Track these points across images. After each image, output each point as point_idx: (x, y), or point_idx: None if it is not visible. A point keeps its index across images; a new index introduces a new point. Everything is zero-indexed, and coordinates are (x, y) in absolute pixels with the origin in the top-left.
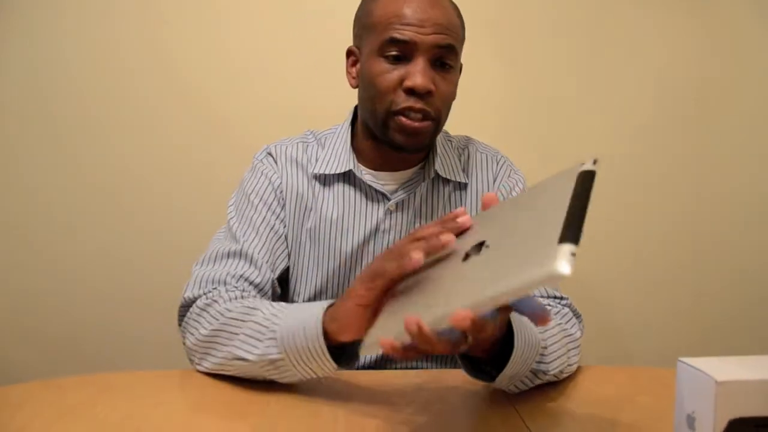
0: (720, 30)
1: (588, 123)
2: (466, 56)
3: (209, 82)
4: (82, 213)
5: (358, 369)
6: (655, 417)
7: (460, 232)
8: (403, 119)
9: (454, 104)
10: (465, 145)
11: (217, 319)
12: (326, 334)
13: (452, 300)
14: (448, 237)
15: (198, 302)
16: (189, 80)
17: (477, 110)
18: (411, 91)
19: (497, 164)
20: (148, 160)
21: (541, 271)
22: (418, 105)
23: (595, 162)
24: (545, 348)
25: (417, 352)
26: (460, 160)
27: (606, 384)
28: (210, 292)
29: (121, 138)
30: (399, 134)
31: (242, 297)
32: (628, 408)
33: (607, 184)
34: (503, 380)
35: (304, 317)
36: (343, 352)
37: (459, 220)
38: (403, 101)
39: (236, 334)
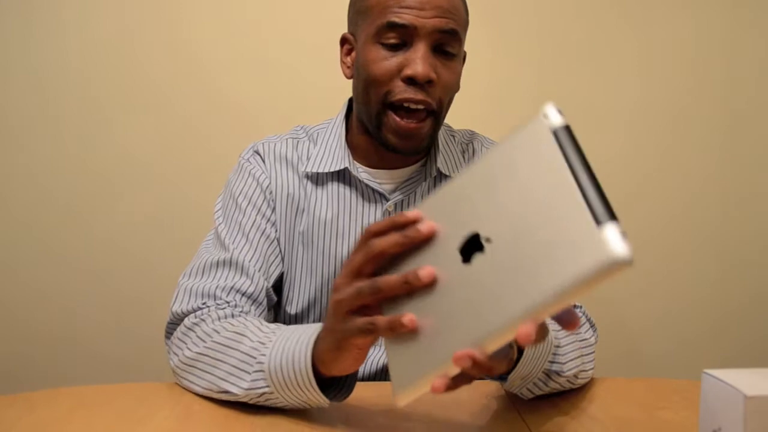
0: (742, 22)
1: (598, 122)
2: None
3: (195, 76)
4: (69, 212)
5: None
6: None
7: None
8: (398, 119)
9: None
10: (469, 140)
11: (204, 341)
12: (318, 365)
13: (495, 315)
14: (427, 272)
15: (186, 320)
16: (177, 72)
17: (475, 106)
18: (410, 80)
19: None
20: (142, 158)
21: (601, 257)
22: (419, 96)
23: (559, 112)
24: (558, 347)
25: (468, 379)
26: (464, 157)
27: (622, 396)
28: (199, 309)
29: (117, 135)
30: (393, 135)
31: (232, 315)
32: (647, 423)
33: (614, 184)
34: (515, 381)
35: (292, 348)
36: (334, 384)
37: (423, 229)
38: (401, 91)
39: (221, 361)
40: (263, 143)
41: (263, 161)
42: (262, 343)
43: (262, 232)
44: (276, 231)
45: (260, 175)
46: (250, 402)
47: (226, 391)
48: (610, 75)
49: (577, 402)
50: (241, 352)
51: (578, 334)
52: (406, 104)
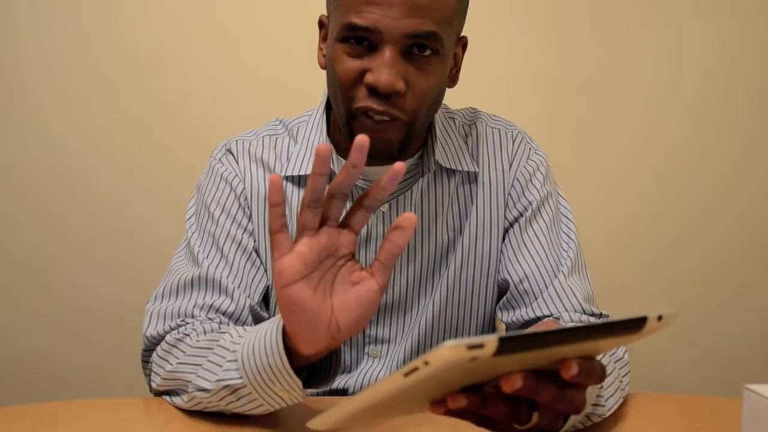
0: None
1: (630, 104)
2: (480, 24)
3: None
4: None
5: (350, 395)
6: None
7: None
8: (365, 119)
9: (467, 84)
10: (472, 122)
11: (185, 352)
12: (290, 343)
13: None
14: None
15: (168, 338)
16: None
17: (493, 87)
18: (373, 90)
19: (513, 142)
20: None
21: None
22: (381, 108)
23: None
24: (601, 388)
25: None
26: (467, 143)
27: (654, 416)
28: (181, 326)
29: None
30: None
31: (219, 329)
32: None
33: (627, 177)
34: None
35: (264, 329)
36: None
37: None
38: (363, 99)
39: (199, 365)
40: (237, 140)
41: (236, 161)
42: (240, 336)
43: (239, 244)
44: (254, 241)
45: (233, 179)
46: (223, 403)
47: (202, 389)
48: (656, 53)
49: (603, 423)
50: (220, 347)
51: (614, 355)
52: (368, 113)
